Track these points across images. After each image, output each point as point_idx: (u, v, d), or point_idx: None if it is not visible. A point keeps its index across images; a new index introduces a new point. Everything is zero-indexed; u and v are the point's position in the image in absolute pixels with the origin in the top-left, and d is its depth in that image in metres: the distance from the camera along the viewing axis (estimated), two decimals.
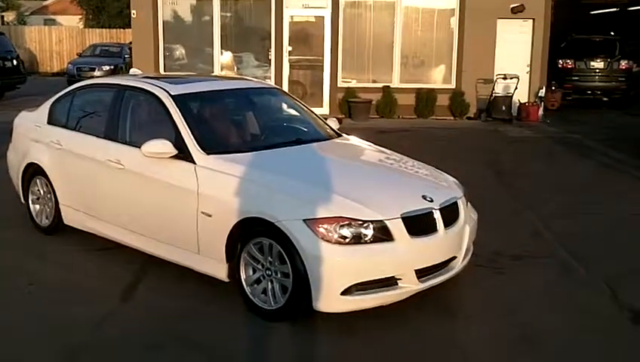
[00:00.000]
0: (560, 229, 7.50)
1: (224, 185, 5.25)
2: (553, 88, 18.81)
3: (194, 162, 5.48)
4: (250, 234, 5.05)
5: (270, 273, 5.01)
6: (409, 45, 17.63)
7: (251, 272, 5.14)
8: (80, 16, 42.55)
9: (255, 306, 5.10)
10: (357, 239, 4.76)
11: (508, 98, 17.04)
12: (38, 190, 7.12)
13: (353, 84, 17.53)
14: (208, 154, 5.51)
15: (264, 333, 4.91)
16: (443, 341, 4.88)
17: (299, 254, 4.73)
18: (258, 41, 17.92)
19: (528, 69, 17.59)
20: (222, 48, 17.61)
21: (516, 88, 17.00)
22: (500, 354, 4.71)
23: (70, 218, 6.79)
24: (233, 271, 5.23)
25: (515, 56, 17.42)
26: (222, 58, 17.57)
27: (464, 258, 5.47)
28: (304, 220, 4.75)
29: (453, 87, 17.52)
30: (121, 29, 35.12)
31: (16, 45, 24.95)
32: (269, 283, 5.02)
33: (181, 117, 5.77)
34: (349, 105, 17.07)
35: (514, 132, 15.59)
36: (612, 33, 20.63)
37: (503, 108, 16.99)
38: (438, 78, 17.90)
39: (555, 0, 17.24)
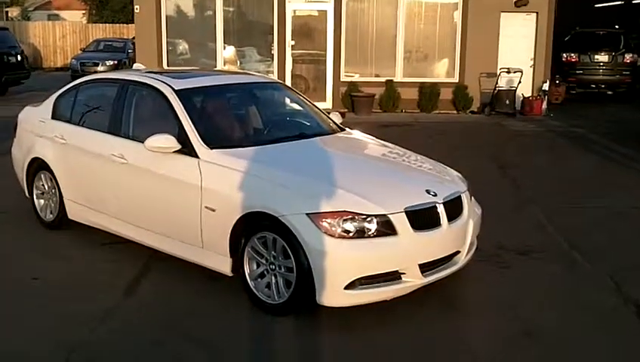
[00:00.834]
0: (564, 223, 7.49)
1: (227, 179, 5.25)
2: (557, 82, 18.78)
3: (197, 156, 5.49)
4: (254, 228, 5.06)
5: (274, 267, 5.01)
6: (412, 39, 17.61)
7: (255, 266, 5.15)
8: (83, 12, 42.62)
9: (259, 300, 5.11)
10: (360, 233, 4.76)
11: (511, 92, 17.00)
12: (43, 185, 7.13)
13: (356, 78, 17.52)
14: (211, 148, 5.51)
15: (268, 328, 4.92)
16: (447, 336, 4.88)
17: (302, 248, 4.73)
18: (261, 35, 17.91)
19: (532, 62, 17.55)
20: (225, 43, 17.62)
21: (520, 82, 16.95)
22: (503, 348, 4.70)
23: (74, 212, 6.81)
24: (237, 266, 5.24)
25: (518, 49, 17.39)
26: (225, 53, 17.59)
27: (468, 252, 5.46)
28: (307, 214, 4.75)
29: (457, 81, 17.51)
30: (125, 24, 35.15)
31: (20, 41, 24.96)
32: (273, 278, 5.03)
33: (184, 111, 5.78)
34: (352, 99, 17.06)
35: (517, 126, 15.56)
36: (616, 26, 20.57)
37: (507, 102, 16.96)
38: (441, 72, 17.88)
39: None
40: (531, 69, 17.54)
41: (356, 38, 17.58)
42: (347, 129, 6.85)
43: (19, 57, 20.89)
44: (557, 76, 18.75)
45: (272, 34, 17.53)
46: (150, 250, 6.03)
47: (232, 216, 5.11)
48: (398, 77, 17.55)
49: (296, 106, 7.14)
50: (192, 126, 5.67)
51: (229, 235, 5.17)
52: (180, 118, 5.74)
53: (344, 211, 4.76)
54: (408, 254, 4.89)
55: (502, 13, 17.15)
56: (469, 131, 14.86)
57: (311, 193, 4.93)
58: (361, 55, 17.71)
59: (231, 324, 4.97)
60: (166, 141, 5.56)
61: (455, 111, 17.46)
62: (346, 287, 4.72)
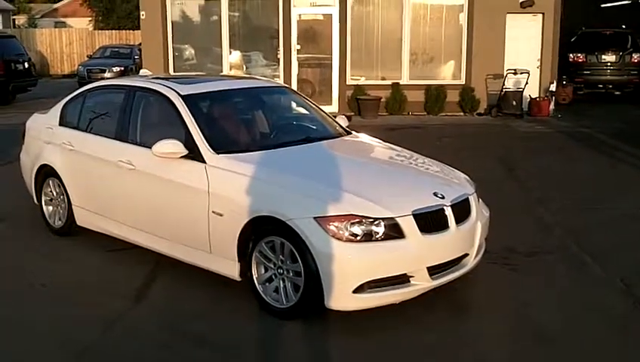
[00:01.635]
0: (572, 225, 7.47)
1: (235, 184, 5.25)
2: (564, 83, 18.73)
3: (204, 162, 5.49)
4: (262, 232, 5.05)
5: (282, 271, 5.01)
6: (418, 42, 17.59)
7: (263, 271, 5.15)
8: (90, 19, 42.72)
9: (267, 305, 5.11)
10: (368, 237, 4.75)
11: (518, 93, 16.95)
12: (51, 191, 7.16)
13: (362, 81, 17.51)
14: (218, 153, 5.52)
15: (277, 332, 4.91)
16: (457, 339, 4.87)
17: (310, 252, 4.73)
18: (266, 40, 17.94)
19: (539, 63, 17.51)
20: (230, 48, 17.65)
21: (527, 83, 16.91)
22: (513, 352, 4.69)
23: (83, 219, 6.82)
24: (245, 270, 5.24)
25: (525, 51, 17.35)
26: (231, 58, 17.63)
27: (476, 255, 5.44)
28: (315, 218, 4.75)
29: (463, 83, 17.48)
30: (131, 31, 35.24)
31: (27, 48, 25.08)
32: (281, 282, 5.03)
33: (191, 117, 5.79)
34: (358, 102, 17.06)
35: (525, 127, 15.53)
36: (623, 26, 20.48)
37: (514, 103, 16.91)
38: (447, 74, 17.86)
39: None
40: (538, 69, 17.49)
41: (362, 41, 17.59)
42: (353, 132, 6.84)
43: (26, 65, 20.98)
44: (564, 77, 18.69)
45: (278, 38, 17.55)
46: (158, 255, 6.04)
47: (240, 220, 5.11)
48: (404, 80, 17.53)
49: (303, 110, 7.14)
50: (199, 131, 5.68)
51: (236, 240, 5.17)
52: (187, 123, 5.75)
53: (352, 215, 4.75)
54: (416, 257, 4.87)
55: (508, 15, 17.12)
56: (476, 133, 14.83)
57: (318, 197, 4.92)
58: (366, 58, 17.71)
59: (240, 329, 4.97)
60: (173, 146, 5.57)
61: (462, 114, 17.43)
62: (355, 291, 4.71)
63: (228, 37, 17.59)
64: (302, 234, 4.75)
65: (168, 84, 6.29)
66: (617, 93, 20.27)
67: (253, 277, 5.18)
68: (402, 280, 4.85)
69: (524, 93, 17.03)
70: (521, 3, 16.99)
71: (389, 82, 17.38)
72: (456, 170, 6.11)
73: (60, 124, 7.17)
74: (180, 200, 5.63)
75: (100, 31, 37.16)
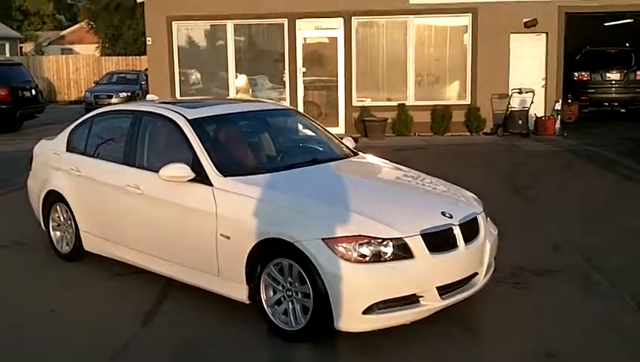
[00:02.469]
0: (582, 243, 7.42)
1: (242, 206, 5.25)
2: (569, 101, 18.74)
3: (211, 185, 5.50)
4: (270, 255, 5.04)
5: (291, 293, 4.99)
6: (423, 63, 17.66)
7: (272, 293, 5.13)
8: (96, 45, 43.03)
9: (276, 327, 5.08)
10: (377, 257, 4.73)
11: (524, 112, 16.97)
12: (59, 217, 7.17)
13: (368, 102, 17.57)
14: (225, 176, 5.52)
15: (286, 355, 4.89)
16: (468, 359, 4.83)
17: (319, 274, 4.71)
18: (272, 63, 18.04)
19: (543, 82, 17.54)
20: (236, 72, 17.78)
21: (532, 102, 16.93)
22: None
23: (90, 244, 6.82)
24: (254, 293, 5.22)
25: (529, 70, 17.39)
26: (237, 81, 17.74)
27: (486, 274, 5.41)
28: (323, 239, 4.74)
29: (469, 102, 17.50)
30: (137, 56, 35.46)
31: (34, 75, 25.26)
32: (290, 304, 5.00)
33: (198, 140, 5.80)
34: (364, 124, 17.10)
35: (531, 146, 15.51)
36: (627, 44, 20.52)
37: (520, 122, 16.92)
38: (452, 94, 17.90)
39: (567, 13, 17.18)
40: (543, 88, 17.52)
41: (367, 63, 17.67)
42: (360, 153, 6.85)
43: (33, 91, 21.13)
44: (569, 95, 18.71)
45: (284, 61, 17.66)
46: (166, 279, 6.03)
47: (248, 243, 5.10)
48: (410, 100, 17.58)
49: (309, 132, 7.16)
50: (206, 154, 5.69)
51: (244, 262, 5.16)
52: (194, 147, 5.77)
53: (360, 235, 4.74)
54: (426, 277, 4.85)
55: (512, 34, 17.18)
56: (482, 152, 14.82)
57: (326, 218, 4.91)
58: (372, 80, 17.78)
59: (249, 352, 4.94)
60: (180, 170, 5.58)
61: (468, 133, 17.45)
62: (364, 312, 4.68)
63: (234, 61, 17.71)
64: (310, 255, 4.74)
65: (175, 109, 6.31)
66: (623, 110, 20.26)
67: (261, 300, 5.16)
68: (412, 300, 4.83)
69: (529, 112, 17.05)
70: (525, 23, 17.05)
71: (394, 103, 17.43)
72: (463, 189, 6.10)
73: (67, 150, 7.20)
74: (187, 223, 5.63)
75: (106, 57, 37.41)
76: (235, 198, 5.35)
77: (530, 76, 17.36)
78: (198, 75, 18.43)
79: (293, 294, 4.97)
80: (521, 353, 4.88)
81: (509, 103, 16.98)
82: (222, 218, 5.32)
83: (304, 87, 17.71)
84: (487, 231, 5.48)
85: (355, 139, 7.42)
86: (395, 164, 6.70)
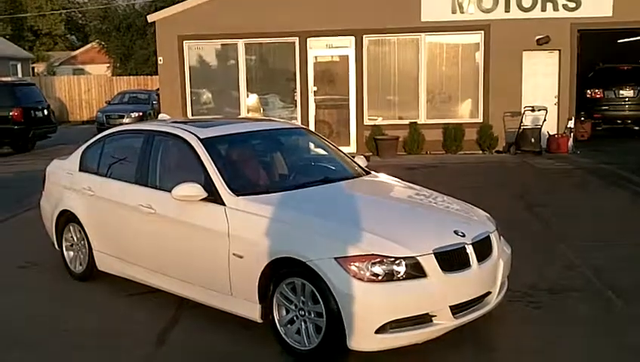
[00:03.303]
0: (596, 261, 7.36)
1: (254, 226, 5.25)
2: (582, 119, 18.66)
3: (224, 204, 5.50)
4: (282, 274, 5.03)
5: (303, 313, 4.97)
6: (434, 81, 17.66)
7: (284, 313, 5.11)
8: (108, 65, 43.33)
9: (289, 347, 5.06)
10: (389, 276, 4.71)
11: (537, 130, 16.90)
12: (72, 237, 7.19)
13: (379, 121, 17.57)
14: (238, 195, 5.53)
15: None
16: None
17: (331, 293, 4.69)
18: (283, 82, 18.09)
19: (556, 100, 17.47)
20: (248, 91, 17.84)
21: (545, 120, 16.88)
22: None
23: (104, 263, 6.84)
24: (266, 312, 5.21)
25: (542, 87, 17.34)
26: (248, 100, 17.80)
27: (499, 293, 5.38)
28: (336, 259, 4.72)
29: (481, 121, 17.46)
30: (149, 76, 35.65)
31: (46, 95, 25.44)
32: (303, 324, 4.98)
33: (210, 160, 5.82)
34: (376, 142, 17.10)
35: (544, 164, 15.44)
36: None
37: (532, 140, 16.86)
38: (464, 112, 17.87)
39: (580, 30, 17.17)
40: (556, 106, 17.45)
41: (378, 81, 17.69)
42: (372, 172, 6.84)
43: (45, 112, 21.29)
44: (582, 113, 18.63)
45: (295, 80, 17.71)
46: (179, 298, 6.03)
47: (260, 262, 5.09)
48: (422, 119, 17.57)
49: (321, 151, 7.16)
50: (218, 174, 5.70)
51: (257, 282, 5.15)
52: (206, 166, 5.78)
53: (372, 254, 4.72)
54: (439, 296, 4.82)
55: (524, 52, 17.15)
56: (495, 171, 14.77)
57: (338, 237, 4.90)
58: (383, 98, 17.79)
59: None
60: (192, 189, 5.59)
61: (480, 152, 17.40)
62: (377, 331, 4.66)
63: (245, 80, 17.78)
64: (323, 275, 4.73)
65: (187, 128, 6.34)
66: (636, 128, 20.13)
67: (274, 319, 5.14)
68: (425, 319, 4.80)
69: (542, 130, 16.98)
70: (538, 40, 17.04)
71: (406, 122, 17.42)
72: (476, 208, 6.07)
73: (80, 170, 7.23)
74: (200, 242, 5.63)
75: (118, 77, 37.64)
76: (247, 218, 5.35)
77: (543, 94, 17.31)
78: (210, 95, 18.49)
79: (306, 313, 4.95)
80: None
81: (521, 121, 16.93)
82: (234, 237, 5.32)
83: (315, 105, 17.75)
84: (500, 249, 5.45)
85: (367, 158, 7.41)
86: (407, 183, 6.69)
